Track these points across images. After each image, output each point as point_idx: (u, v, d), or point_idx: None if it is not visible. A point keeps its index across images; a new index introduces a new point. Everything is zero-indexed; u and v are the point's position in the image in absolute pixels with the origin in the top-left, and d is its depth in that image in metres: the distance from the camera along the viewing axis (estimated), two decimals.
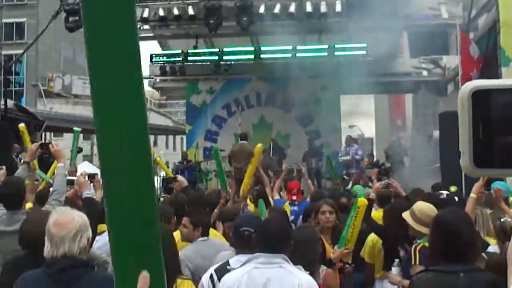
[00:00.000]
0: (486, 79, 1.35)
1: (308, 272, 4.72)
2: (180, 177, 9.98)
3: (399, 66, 25.74)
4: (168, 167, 25.83)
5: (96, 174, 11.14)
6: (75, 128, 10.92)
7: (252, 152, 10.53)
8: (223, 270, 4.70)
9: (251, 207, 9.08)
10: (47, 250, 3.66)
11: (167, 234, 4.98)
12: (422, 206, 6.59)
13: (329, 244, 6.90)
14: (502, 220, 6.41)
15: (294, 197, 10.19)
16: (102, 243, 6.90)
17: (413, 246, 6.66)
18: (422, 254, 6.40)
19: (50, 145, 7.07)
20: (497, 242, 6.39)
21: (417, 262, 6.30)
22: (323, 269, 5.96)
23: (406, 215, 6.68)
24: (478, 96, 1.29)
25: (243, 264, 4.42)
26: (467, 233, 3.83)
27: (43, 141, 21.05)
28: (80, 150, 14.30)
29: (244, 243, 5.00)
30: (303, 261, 5.28)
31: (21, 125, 10.48)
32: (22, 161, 7.72)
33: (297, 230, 5.93)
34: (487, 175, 1.40)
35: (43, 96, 45.19)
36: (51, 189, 7.07)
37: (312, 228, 6.21)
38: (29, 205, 7.23)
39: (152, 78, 27.31)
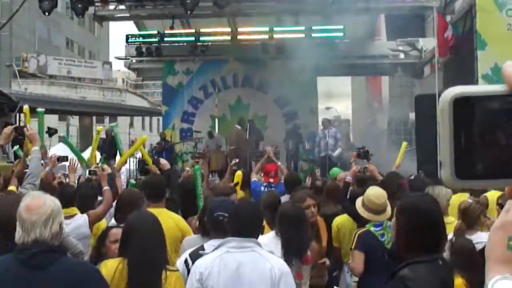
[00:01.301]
0: (468, 85, 1.29)
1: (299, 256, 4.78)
2: (163, 160, 9.98)
3: (376, 48, 25.79)
4: (144, 147, 25.80)
5: (67, 156, 11.06)
6: (39, 109, 10.84)
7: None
8: (197, 254, 4.70)
9: (239, 194, 9.06)
10: (18, 235, 3.62)
11: (155, 222, 4.95)
12: (370, 194, 6.64)
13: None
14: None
15: (271, 180, 10.19)
16: (72, 226, 6.87)
17: (356, 230, 6.77)
18: (360, 239, 6.50)
19: (25, 129, 7.01)
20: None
21: (354, 247, 6.40)
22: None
23: (358, 201, 6.76)
24: (460, 103, 1.24)
25: (216, 248, 4.42)
26: (443, 221, 3.81)
27: (18, 123, 20.87)
28: (55, 131, 14.23)
29: (218, 227, 4.99)
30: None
31: (26, 107, 10.52)
32: None
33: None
34: (470, 186, 1.35)
35: (18, 76, 44.74)
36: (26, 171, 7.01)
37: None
38: (12, 188, 7.16)
39: (128, 59, 27.15)
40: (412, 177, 10.59)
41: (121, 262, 4.61)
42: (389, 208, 6.61)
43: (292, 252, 4.60)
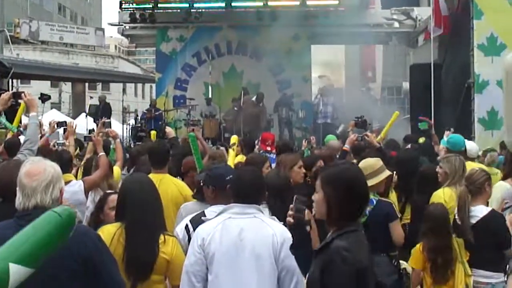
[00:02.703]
0: None
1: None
2: (168, 128, 10.00)
3: (370, 17, 25.67)
4: (137, 115, 25.77)
5: (65, 121, 11.07)
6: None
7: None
8: (198, 220, 4.72)
9: (239, 158, 9.10)
10: (19, 201, 3.60)
11: (150, 185, 4.94)
12: (361, 164, 6.55)
13: None
14: None
15: (269, 148, 10.21)
16: (69, 193, 6.85)
17: None
18: None
19: (23, 94, 6.94)
20: None
21: None
22: None
23: None
24: None
25: (218, 214, 4.42)
26: (367, 190, 3.78)
27: (11, 88, 20.77)
28: (48, 97, 14.20)
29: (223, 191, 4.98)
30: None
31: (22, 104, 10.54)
32: None
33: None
34: None
35: (10, 42, 44.35)
36: (20, 137, 6.97)
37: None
38: None
39: (122, 25, 26.94)
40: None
41: (119, 227, 4.62)
42: (381, 175, 6.57)
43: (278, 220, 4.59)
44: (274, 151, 10.18)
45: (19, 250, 2.79)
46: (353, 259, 3.31)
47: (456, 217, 6.12)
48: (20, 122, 10.11)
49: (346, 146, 9.06)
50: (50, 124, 10.81)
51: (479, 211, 6.04)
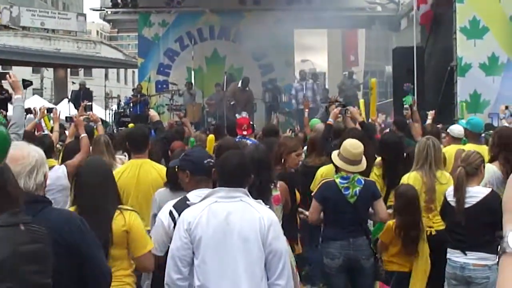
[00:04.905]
0: None
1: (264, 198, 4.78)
2: (152, 111, 9.92)
3: (353, 1, 25.66)
4: (120, 101, 25.65)
5: (54, 108, 11.07)
6: None
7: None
8: (182, 205, 4.68)
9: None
10: None
11: (101, 167, 4.90)
12: (346, 143, 6.66)
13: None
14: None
15: (245, 132, 10.20)
16: (52, 179, 6.77)
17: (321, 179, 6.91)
18: (320, 189, 6.68)
19: (7, 76, 6.83)
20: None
21: (313, 195, 6.71)
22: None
23: (334, 151, 6.78)
24: None
25: (203, 198, 4.39)
26: None
27: None
28: (30, 83, 14.12)
29: (206, 175, 4.98)
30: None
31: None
32: None
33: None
34: None
35: None
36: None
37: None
38: None
39: (103, 10, 26.83)
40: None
41: (76, 210, 4.58)
42: (364, 162, 6.62)
43: (254, 195, 4.59)
44: (251, 133, 10.22)
45: None
46: None
47: (450, 198, 6.17)
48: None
49: (330, 120, 9.21)
50: (40, 109, 10.78)
51: (476, 192, 6.07)
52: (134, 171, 6.67)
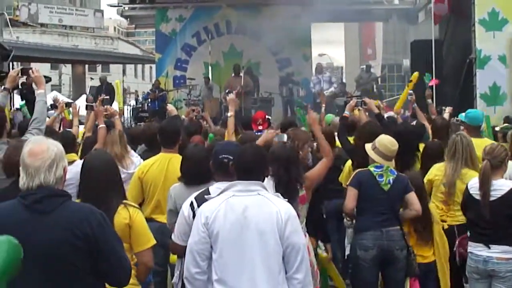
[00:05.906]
0: None
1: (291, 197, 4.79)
2: (170, 106, 9.90)
3: None
4: (138, 96, 25.72)
5: (73, 102, 11.14)
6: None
7: None
8: (202, 198, 4.70)
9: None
10: (22, 181, 3.57)
11: (106, 165, 4.91)
12: (384, 139, 6.67)
13: None
14: None
15: (260, 127, 10.07)
16: (73, 173, 6.80)
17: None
18: (357, 176, 6.63)
19: (31, 71, 6.82)
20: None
21: (349, 183, 6.68)
22: None
23: (368, 145, 6.76)
24: None
25: (221, 192, 4.40)
26: None
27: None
28: (48, 79, 14.22)
29: (223, 170, 5.00)
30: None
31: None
32: (2, 87, 7.51)
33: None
34: None
35: (9, 25, 44.19)
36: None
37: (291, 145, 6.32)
38: None
39: (121, 6, 26.88)
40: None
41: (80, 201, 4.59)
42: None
43: (282, 193, 4.60)
44: (266, 128, 10.08)
45: None
46: None
47: (474, 191, 6.15)
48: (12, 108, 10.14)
49: (346, 113, 9.05)
50: (59, 103, 10.85)
51: (501, 185, 6.07)
52: (163, 165, 6.81)
